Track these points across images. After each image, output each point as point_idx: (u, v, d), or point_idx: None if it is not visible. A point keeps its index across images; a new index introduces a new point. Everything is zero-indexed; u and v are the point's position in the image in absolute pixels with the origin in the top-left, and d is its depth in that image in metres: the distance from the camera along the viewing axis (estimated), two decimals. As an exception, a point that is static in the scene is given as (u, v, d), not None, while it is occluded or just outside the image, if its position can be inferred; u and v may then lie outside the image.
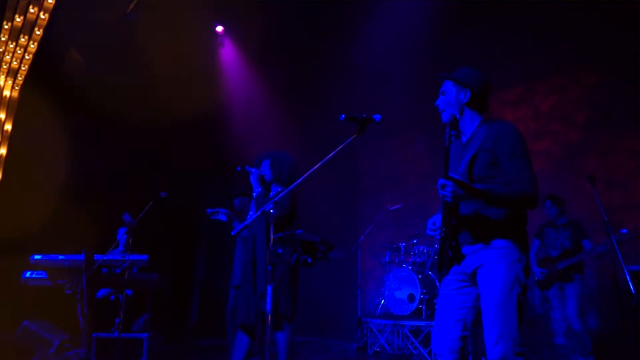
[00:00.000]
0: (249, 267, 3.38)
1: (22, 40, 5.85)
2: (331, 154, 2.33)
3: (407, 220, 6.72)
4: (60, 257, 4.52)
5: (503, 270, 2.11)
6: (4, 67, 5.91)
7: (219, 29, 7.54)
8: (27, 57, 5.95)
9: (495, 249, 2.15)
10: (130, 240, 5.49)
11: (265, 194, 3.57)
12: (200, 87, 7.16)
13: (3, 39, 5.75)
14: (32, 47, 5.91)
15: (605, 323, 5.59)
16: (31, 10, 5.68)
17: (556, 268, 4.74)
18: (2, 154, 5.97)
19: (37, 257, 4.50)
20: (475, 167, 2.21)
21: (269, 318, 2.25)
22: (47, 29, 5.84)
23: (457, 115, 2.31)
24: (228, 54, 7.75)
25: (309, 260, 2.52)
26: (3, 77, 5.94)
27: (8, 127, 6.03)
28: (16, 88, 6.04)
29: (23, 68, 5.99)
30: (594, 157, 6.07)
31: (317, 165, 2.34)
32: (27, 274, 4.77)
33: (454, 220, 2.20)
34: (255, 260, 3.37)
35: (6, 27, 5.71)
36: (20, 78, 6.02)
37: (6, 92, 6.00)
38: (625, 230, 4.23)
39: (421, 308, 5.51)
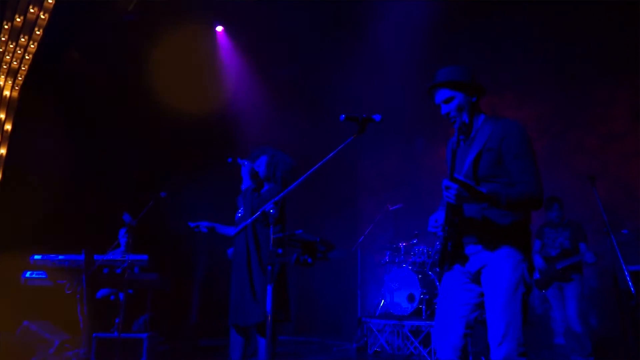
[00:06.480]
0: (242, 267, 3.29)
1: (22, 40, 5.85)
2: (331, 154, 2.32)
3: (407, 220, 6.70)
4: (60, 257, 4.52)
5: (509, 270, 2.11)
6: (4, 67, 5.91)
7: (219, 29, 7.54)
8: (27, 57, 5.95)
9: (499, 249, 2.15)
10: (130, 240, 5.51)
11: (255, 189, 3.48)
12: (200, 87, 7.16)
13: (3, 39, 5.75)
14: (32, 47, 5.91)
15: (605, 323, 5.58)
16: (31, 10, 5.68)
17: (555, 268, 4.74)
18: (2, 153, 5.97)
19: (37, 257, 4.50)
20: (480, 166, 2.20)
21: (269, 318, 2.25)
22: (47, 29, 5.84)
23: (467, 120, 2.28)
24: (228, 53, 7.74)
25: (309, 260, 2.51)
26: (3, 77, 5.94)
27: (8, 127, 6.03)
28: (16, 88, 6.04)
29: (23, 68, 5.99)
30: (594, 157, 6.06)
31: (317, 166, 2.33)
32: (27, 274, 4.77)
33: (457, 219, 2.18)
34: (249, 260, 3.27)
35: (6, 27, 5.71)
36: (20, 78, 6.02)
37: (6, 92, 5.99)
38: (626, 231, 4.23)
39: (421, 308, 5.51)
